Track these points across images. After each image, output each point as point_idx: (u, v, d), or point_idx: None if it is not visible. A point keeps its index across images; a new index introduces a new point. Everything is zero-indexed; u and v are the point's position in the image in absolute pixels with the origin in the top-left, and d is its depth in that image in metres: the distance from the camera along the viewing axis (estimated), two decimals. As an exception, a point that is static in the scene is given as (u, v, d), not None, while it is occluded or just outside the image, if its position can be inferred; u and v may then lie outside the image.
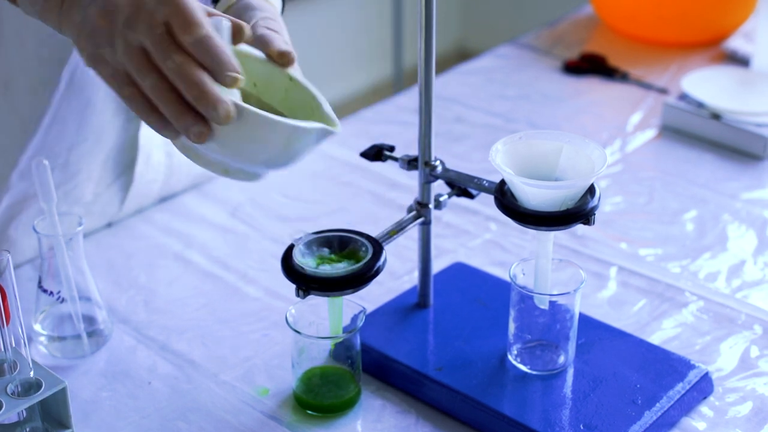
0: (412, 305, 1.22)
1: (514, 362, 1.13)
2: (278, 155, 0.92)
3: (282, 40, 1.01)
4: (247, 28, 0.94)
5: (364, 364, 1.13)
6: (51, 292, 1.17)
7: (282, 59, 0.99)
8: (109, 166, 1.37)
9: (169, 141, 0.94)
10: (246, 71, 0.93)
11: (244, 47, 0.98)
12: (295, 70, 1.01)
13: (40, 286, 1.18)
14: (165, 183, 1.46)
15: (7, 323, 0.97)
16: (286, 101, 1.00)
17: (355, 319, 1.08)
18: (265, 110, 0.89)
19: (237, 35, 0.93)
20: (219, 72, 0.87)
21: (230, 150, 0.91)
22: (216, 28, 0.89)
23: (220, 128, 0.88)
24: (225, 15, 0.93)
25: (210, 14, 0.91)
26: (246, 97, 0.97)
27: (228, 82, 0.87)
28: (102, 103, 1.29)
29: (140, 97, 0.89)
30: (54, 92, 1.24)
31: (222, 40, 0.88)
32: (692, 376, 1.12)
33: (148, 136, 1.37)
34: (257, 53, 0.99)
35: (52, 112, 1.26)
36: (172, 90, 0.88)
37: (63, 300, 1.17)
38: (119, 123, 1.33)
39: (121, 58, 0.88)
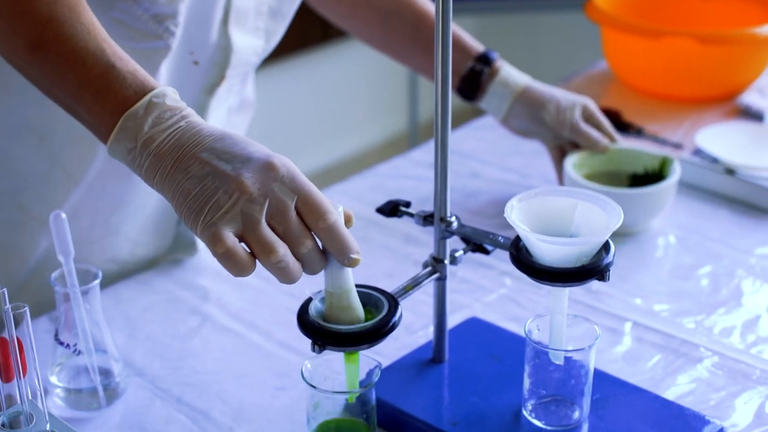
0: (428, 360, 1.22)
1: (528, 418, 1.13)
2: None
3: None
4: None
5: (379, 419, 1.13)
6: (67, 345, 1.18)
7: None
8: (148, 228, 1.39)
9: None
10: None
11: None
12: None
13: (56, 339, 1.19)
14: None
15: (24, 375, 0.98)
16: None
17: (370, 374, 1.08)
18: None
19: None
20: (344, 254, 0.98)
21: None
22: None
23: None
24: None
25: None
26: None
27: (349, 263, 0.99)
28: None
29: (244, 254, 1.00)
30: (97, 147, 1.25)
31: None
32: (707, 433, 1.12)
33: None
34: None
35: (96, 168, 1.27)
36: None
37: (79, 352, 1.18)
38: None
39: (238, 227, 0.97)
